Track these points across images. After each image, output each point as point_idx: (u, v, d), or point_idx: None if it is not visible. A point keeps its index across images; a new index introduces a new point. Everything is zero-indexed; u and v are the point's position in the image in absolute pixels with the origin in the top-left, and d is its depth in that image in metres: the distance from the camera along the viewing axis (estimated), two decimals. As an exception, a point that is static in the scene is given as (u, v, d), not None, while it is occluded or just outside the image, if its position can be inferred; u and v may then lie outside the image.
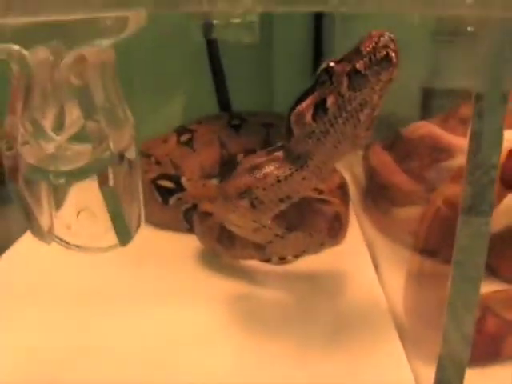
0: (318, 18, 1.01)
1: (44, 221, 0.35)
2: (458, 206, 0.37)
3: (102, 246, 0.36)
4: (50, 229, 0.36)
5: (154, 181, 0.74)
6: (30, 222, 0.35)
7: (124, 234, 0.34)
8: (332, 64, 0.39)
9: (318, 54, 1.03)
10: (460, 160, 0.38)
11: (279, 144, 0.46)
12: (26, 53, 0.30)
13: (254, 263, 0.64)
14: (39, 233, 0.36)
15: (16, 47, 0.30)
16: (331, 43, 0.98)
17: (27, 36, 0.30)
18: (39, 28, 0.30)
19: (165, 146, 0.87)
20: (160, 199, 0.74)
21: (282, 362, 0.49)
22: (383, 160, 0.72)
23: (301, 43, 1.03)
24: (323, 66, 0.39)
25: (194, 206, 0.70)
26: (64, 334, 0.53)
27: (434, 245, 0.49)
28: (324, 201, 0.55)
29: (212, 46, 0.98)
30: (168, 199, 0.74)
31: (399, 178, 0.67)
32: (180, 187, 0.74)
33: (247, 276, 0.63)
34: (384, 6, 0.32)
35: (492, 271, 0.58)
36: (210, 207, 0.64)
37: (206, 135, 0.93)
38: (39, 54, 0.30)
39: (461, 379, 0.40)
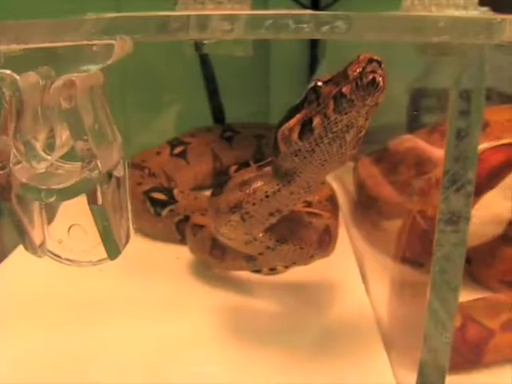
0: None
1: (36, 236, 0.37)
2: (432, 217, 0.38)
3: (92, 260, 0.37)
4: (43, 243, 0.37)
5: (146, 193, 0.76)
6: (22, 237, 0.36)
7: (113, 250, 0.35)
8: (320, 84, 0.39)
9: (313, 65, 1.04)
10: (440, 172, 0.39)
11: (270, 159, 0.46)
12: (17, 77, 0.31)
13: (244, 274, 0.65)
14: (31, 247, 0.37)
15: (8, 72, 0.31)
16: (326, 55, 0.98)
17: (19, 62, 0.31)
18: (30, 54, 0.32)
19: (158, 158, 0.88)
20: (153, 211, 0.75)
21: (271, 371, 0.50)
22: (371, 173, 0.73)
23: (297, 55, 1.04)
24: (311, 84, 0.39)
25: (186, 218, 0.71)
26: (58, 343, 0.54)
27: (412, 254, 0.50)
28: (314, 214, 0.56)
29: (205, 60, 0.99)
30: (161, 211, 0.75)
31: (386, 191, 0.68)
32: (172, 199, 0.75)
33: (238, 286, 0.64)
34: (369, 35, 0.34)
35: (475, 279, 0.59)
36: (201, 220, 0.66)
37: (199, 147, 0.94)
38: (30, 79, 0.31)
39: (441, 385, 0.41)
